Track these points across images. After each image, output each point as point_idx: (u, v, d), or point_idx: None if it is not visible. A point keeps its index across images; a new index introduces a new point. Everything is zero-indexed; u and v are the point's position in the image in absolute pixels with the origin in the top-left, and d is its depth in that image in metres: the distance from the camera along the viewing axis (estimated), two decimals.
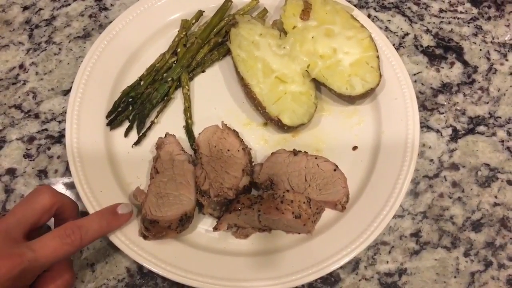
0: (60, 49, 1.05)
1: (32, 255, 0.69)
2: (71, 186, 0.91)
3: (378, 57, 0.96)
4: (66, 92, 0.99)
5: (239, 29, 0.97)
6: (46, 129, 0.97)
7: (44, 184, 0.92)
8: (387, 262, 0.89)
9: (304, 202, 0.83)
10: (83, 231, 0.75)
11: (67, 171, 0.93)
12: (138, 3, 1.04)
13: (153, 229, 0.81)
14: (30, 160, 0.94)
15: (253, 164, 0.91)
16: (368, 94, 0.94)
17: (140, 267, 0.87)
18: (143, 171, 0.92)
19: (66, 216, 0.80)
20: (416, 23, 1.11)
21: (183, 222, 0.83)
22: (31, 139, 0.96)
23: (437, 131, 1.00)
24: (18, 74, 1.02)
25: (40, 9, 1.09)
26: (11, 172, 0.93)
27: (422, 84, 1.04)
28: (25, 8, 1.09)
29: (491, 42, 1.10)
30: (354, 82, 0.94)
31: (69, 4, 1.10)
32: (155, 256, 0.83)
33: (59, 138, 0.96)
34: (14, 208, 0.76)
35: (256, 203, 0.82)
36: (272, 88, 0.93)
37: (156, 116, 0.96)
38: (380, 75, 0.95)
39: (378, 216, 0.87)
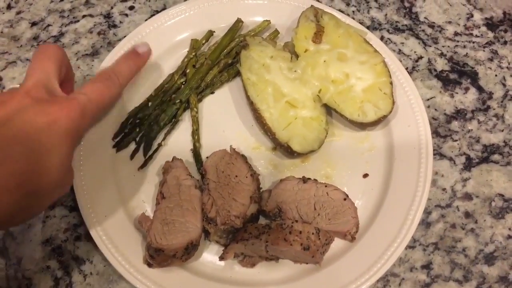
0: None
1: (85, 98, 0.70)
2: (75, 208, 0.89)
3: (391, 83, 0.94)
4: None
5: (249, 51, 0.95)
6: None
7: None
8: None
9: (313, 233, 0.81)
10: (118, 74, 0.79)
11: (71, 193, 0.91)
12: (148, 21, 1.02)
13: (158, 257, 0.80)
14: None
15: (261, 190, 0.89)
16: (381, 121, 0.92)
17: None
18: (149, 195, 0.91)
19: (70, 74, 0.81)
20: (430, 46, 1.09)
21: (189, 251, 0.81)
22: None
23: (450, 159, 0.98)
24: None
25: (49, 25, 1.08)
26: None
27: (436, 109, 1.02)
28: (33, 24, 1.08)
29: (507, 67, 1.07)
30: (366, 108, 0.92)
31: (78, 21, 1.09)
32: (160, 284, 0.81)
33: None
34: (33, 65, 0.72)
35: (264, 233, 0.81)
36: (283, 113, 0.91)
37: (164, 139, 0.95)
38: (393, 102, 0.93)
39: (389, 248, 0.85)
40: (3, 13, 1.09)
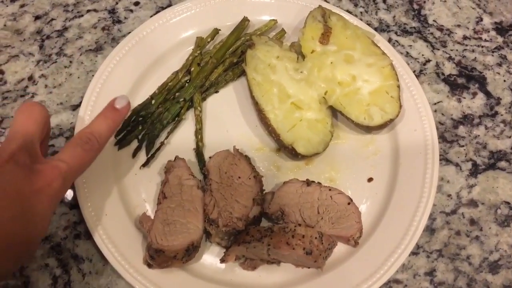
0: (71, 61, 1.02)
1: (65, 165, 0.70)
2: (75, 206, 0.88)
3: (398, 86, 0.92)
4: (75, 107, 0.97)
5: (255, 50, 0.94)
6: (53, 145, 0.94)
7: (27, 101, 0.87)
8: None
9: (315, 238, 0.80)
10: (97, 135, 0.77)
11: (72, 190, 0.90)
12: (153, 18, 1.01)
13: (158, 258, 0.79)
14: None
15: (264, 192, 0.88)
16: (387, 124, 0.91)
17: None
18: (151, 194, 0.90)
19: (48, 131, 0.80)
20: (439, 49, 1.07)
21: (190, 252, 0.80)
22: None
23: (456, 164, 0.96)
24: (26, 86, 0.99)
25: (52, 19, 1.07)
26: None
27: (443, 114, 1.01)
28: (37, 17, 1.07)
29: None
30: (372, 112, 0.90)
31: (82, 15, 1.07)
32: (159, 286, 0.80)
33: None
34: (18, 126, 0.72)
35: (266, 236, 0.79)
36: (288, 115, 0.90)
37: (166, 137, 0.94)
38: (400, 106, 0.91)
39: (393, 254, 0.84)
40: (7, 6, 1.08)
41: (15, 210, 0.64)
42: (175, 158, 0.89)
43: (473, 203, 0.93)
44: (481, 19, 1.12)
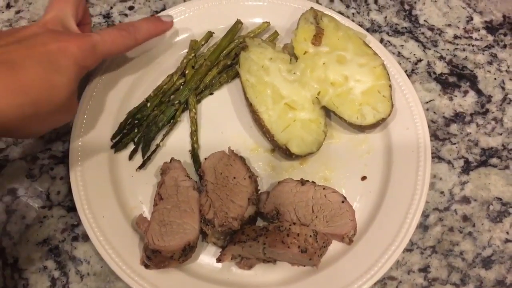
0: None
1: (98, 37, 0.77)
2: (72, 209, 0.89)
3: (390, 86, 0.94)
4: None
5: (249, 52, 0.95)
6: (49, 149, 0.95)
7: None
8: None
9: (310, 236, 0.81)
10: (136, 28, 0.84)
11: (69, 193, 0.91)
12: None
13: (155, 258, 0.80)
14: (33, 181, 0.93)
15: (259, 192, 0.89)
16: (379, 124, 0.92)
17: None
18: (147, 196, 0.91)
19: (87, 19, 0.89)
20: (430, 49, 1.09)
21: (186, 252, 0.81)
22: (34, 159, 0.94)
23: (449, 162, 0.98)
24: None
25: None
26: (13, 192, 0.92)
27: (434, 112, 1.02)
28: (33, 23, 1.08)
29: (506, 71, 1.07)
30: (365, 111, 0.92)
31: None
32: (156, 286, 0.81)
33: (63, 159, 0.94)
34: (52, 3, 0.79)
35: (261, 235, 0.80)
36: (281, 115, 0.91)
37: (162, 139, 0.95)
38: (392, 105, 0.93)
39: (387, 251, 0.85)
40: (3, 12, 1.09)
41: (38, 59, 0.69)
42: (171, 160, 0.90)
43: (465, 200, 0.95)
44: (472, 19, 1.13)
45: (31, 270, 0.86)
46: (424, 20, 1.12)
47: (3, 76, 0.65)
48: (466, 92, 1.05)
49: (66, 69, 0.72)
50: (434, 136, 0.99)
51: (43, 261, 0.86)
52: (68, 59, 0.72)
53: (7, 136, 0.80)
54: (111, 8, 1.10)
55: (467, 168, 0.97)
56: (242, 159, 0.90)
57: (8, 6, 1.10)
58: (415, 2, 1.14)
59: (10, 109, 0.65)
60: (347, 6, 1.13)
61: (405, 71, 1.01)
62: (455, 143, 0.99)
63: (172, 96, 0.97)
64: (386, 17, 1.12)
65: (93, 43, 0.76)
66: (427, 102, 1.03)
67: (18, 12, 1.09)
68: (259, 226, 0.83)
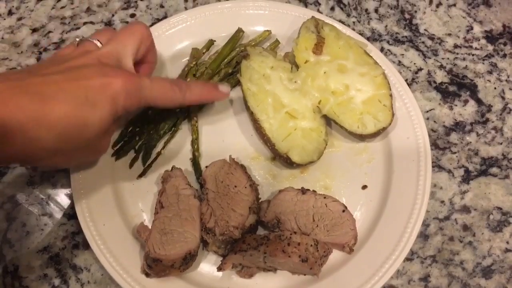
0: None
1: (148, 82, 0.75)
2: (73, 216, 0.89)
3: (391, 95, 0.94)
4: None
5: (250, 61, 0.95)
6: None
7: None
8: None
9: (311, 245, 0.81)
10: (188, 88, 0.82)
11: (70, 201, 0.91)
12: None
13: (156, 267, 0.80)
14: (34, 188, 0.93)
15: (260, 200, 0.89)
16: (380, 133, 0.93)
17: None
18: (148, 204, 0.91)
19: (152, 58, 0.88)
20: (430, 58, 1.09)
21: (187, 261, 0.81)
22: (35, 166, 0.94)
23: (449, 171, 0.98)
24: None
25: (50, 31, 1.08)
26: (13, 199, 0.92)
27: (435, 121, 1.02)
28: (34, 30, 1.08)
29: (506, 80, 1.08)
30: (366, 120, 0.92)
31: (79, 28, 1.09)
32: None
33: None
34: (116, 36, 0.79)
35: (262, 244, 0.80)
36: (282, 124, 0.91)
37: (163, 147, 0.95)
38: (393, 114, 0.93)
39: (387, 261, 0.85)
40: (4, 19, 1.09)
41: (76, 92, 0.67)
42: (171, 168, 0.90)
43: (465, 209, 0.95)
44: (472, 28, 1.14)
45: (32, 278, 0.86)
46: (425, 29, 1.13)
47: (31, 107, 0.63)
48: (466, 101, 1.05)
49: (101, 105, 0.69)
50: (434, 145, 1.00)
51: (44, 269, 0.86)
52: (107, 96, 0.69)
53: (30, 165, 0.78)
54: (113, 15, 1.11)
55: (467, 177, 0.98)
56: (243, 168, 0.91)
57: (10, 13, 1.10)
58: (416, 11, 1.15)
59: (32, 142, 0.64)
60: (348, 15, 1.13)
61: (406, 80, 1.01)
62: (455, 152, 1.00)
63: None
64: (386, 26, 1.13)
65: (140, 86, 0.73)
66: (427, 111, 1.03)
67: (19, 19, 1.09)
68: (260, 235, 0.83)
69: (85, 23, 1.10)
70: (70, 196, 0.90)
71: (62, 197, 0.92)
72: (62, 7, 1.11)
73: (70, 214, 0.91)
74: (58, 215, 0.91)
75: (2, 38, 1.07)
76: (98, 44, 0.78)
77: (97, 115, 0.68)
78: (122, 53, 0.77)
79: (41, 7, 1.11)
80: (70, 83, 0.67)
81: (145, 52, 0.84)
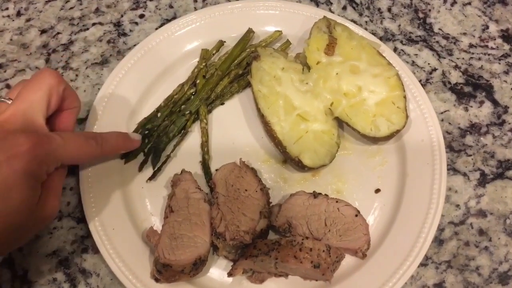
0: (76, 75, 1.02)
1: (61, 141, 0.68)
2: (82, 220, 0.88)
3: (405, 97, 0.92)
4: (82, 121, 0.96)
5: (260, 62, 0.94)
6: None
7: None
8: None
9: (323, 251, 0.79)
10: (104, 140, 0.78)
11: (79, 204, 0.90)
12: (158, 31, 1.01)
13: (165, 272, 0.78)
14: None
15: (271, 205, 0.88)
16: (393, 135, 0.91)
17: None
18: (157, 208, 0.90)
19: (72, 104, 0.80)
20: (445, 58, 1.07)
21: (197, 266, 0.80)
22: None
23: (464, 174, 0.96)
24: None
25: (58, 33, 1.07)
26: None
27: (450, 123, 1.00)
28: (43, 31, 1.07)
29: None
30: (379, 123, 0.90)
31: (88, 29, 1.08)
32: None
33: (73, 169, 0.93)
34: (20, 93, 0.71)
35: (273, 249, 0.79)
36: (294, 127, 0.89)
37: (172, 150, 0.93)
38: (407, 116, 0.91)
39: (401, 267, 0.83)
40: (13, 20, 1.08)
41: None
42: (181, 171, 0.89)
43: (481, 213, 0.93)
44: (487, 27, 1.11)
45: (41, 282, 0.85)
46: (439, 29, 1.10)
47: None
48: (482, 103, 1.02)
49: (15, 187, 0.62)
50: (449, 147, 0.97)
51: (53, 273, 0.85)
52: (17, 173, 0.62)
53: None
54: (122, 16, 1.10)
55: (483, 180, 0.95)
56: (253, 171, 0.89)
57: (19, 14, 1.09)
58: (430, 10, 1.13)
59: None
60: (360, 14, 1.11)
61: (419, 81, 0.99)
62: (470, 155, 0.97)
63: (183, 106, 0.96)
64: (400, 25, 1.10)
65: (51, 148, 0.67)
66: (442, 113, 1.01)
67: (28, 20, 1.09)
68: (271, 240, 0.82)
69: (93, 24, 1.09)
70: (79, 200, 0.89)
71: (71, 200, 0.91)
72: (71, 8, 1.10)
73: (79, 217, 0.90)
74: (67, 218, 0.90)
75: (11, 39, 1.06)
76: (9, 102, 0.72)
77: (15, 198, 0.63)
78: (28, 113, 0.69)
79: (49, 8, 1.10)
80: None
81: (59, 101, 0.76)
